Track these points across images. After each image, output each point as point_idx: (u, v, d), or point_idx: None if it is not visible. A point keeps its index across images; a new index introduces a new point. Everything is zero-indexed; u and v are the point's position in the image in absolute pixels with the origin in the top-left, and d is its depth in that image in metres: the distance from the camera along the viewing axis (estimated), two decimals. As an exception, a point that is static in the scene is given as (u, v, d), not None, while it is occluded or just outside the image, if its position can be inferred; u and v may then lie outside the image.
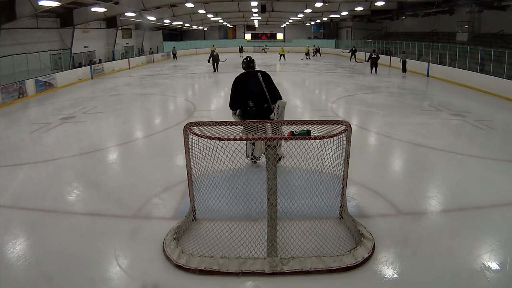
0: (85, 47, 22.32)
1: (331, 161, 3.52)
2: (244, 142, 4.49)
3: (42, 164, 6.07)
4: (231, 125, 3.48)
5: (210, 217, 3.88)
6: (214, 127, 3.46)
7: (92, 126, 8.65)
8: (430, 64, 17.87)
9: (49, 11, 16.43)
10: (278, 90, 5.13)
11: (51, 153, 6.64)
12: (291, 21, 37.25)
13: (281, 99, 5.09)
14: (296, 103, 10.90)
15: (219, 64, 20.01)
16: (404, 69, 18.66)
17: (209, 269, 3.12)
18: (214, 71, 19.94)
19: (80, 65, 20.06)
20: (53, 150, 6.81)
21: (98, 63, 21.86)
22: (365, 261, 3.23)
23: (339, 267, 3.13)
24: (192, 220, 3.87)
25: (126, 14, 21.57)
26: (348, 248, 3.36)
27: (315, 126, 3.38)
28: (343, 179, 3.70)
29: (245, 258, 3.20)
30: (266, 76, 5.12)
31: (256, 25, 43.66)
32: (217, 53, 20.30)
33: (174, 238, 3.48)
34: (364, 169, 5.34)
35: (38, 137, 7.78)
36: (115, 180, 5.51)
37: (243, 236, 3.42)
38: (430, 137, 7.27)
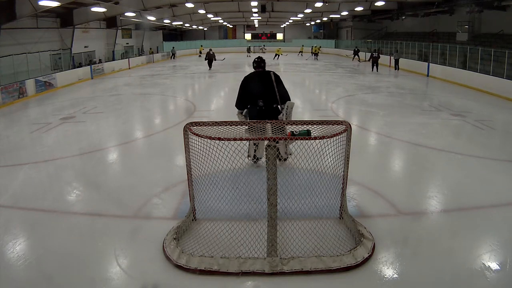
0: (85, 47, 22.32)
1: (331, 161, 3.52)
2: (246, 142, 4.49)
3: (42, 164, 6.07)
4: (231, 125, 3.48)
5: (210, 217, 3.88)
6: (214, 127, 3.46)
7: (92, 126, 8.65)
8: (430, 64, 17.88)
9: (49, 11, 16.43)
10: (287, 91, 5.15)
11: (51, 153, 6.64)
12: (291, 21, 37.25)
13: (289, 100, 5.13)
14: (296, 103, 10.78)
15: (213, 62, 21.71)
16: (396, 67, 19.89)
17: (209, 269, 3.12)
18: (210, 68, 21.58)
19: (80, 65, 20.06)
20: (53, 150, 6.81)
21: (98, 63, 21.86)
22: (365, 261, 3.23)
23: (339, 267, 3.13)
24: (192, 220, 3.87)
25: (126, 14, 21.57)
26: (348, 248, 3.36)
27: (315, 126, 3.38)
28: (343, 179, 3.70)
29: (245, 258, 3.20)
30: (276, 77, 5.13)
31: (256, 25, 43.66)
32: (213, 52, 21.82)
33: (174, 238, 3.48)
34: (364, 169, 5.34)
35: (38, 137, 7.78)
36: (115, 180, 5.51)
37: (243, 236, 3.42)
38: (430, 137, 7.27)
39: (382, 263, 3.25)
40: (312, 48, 31.33)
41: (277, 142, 4.61)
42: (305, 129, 3.27)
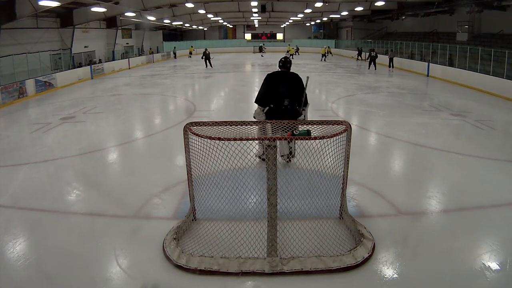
0: (85, 47, 22.33)
1: (331, 161, 3.52)
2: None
3: (42, 164, 6.07)
4: (231, 125, 3.48)
5: (210, 217, 3.88)
6: (214, 127, 3.45)
7: (92, 126, 8.65)
8: (430, 64, 17.89)
9: (49, 11, 16.44)
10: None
11: (51, 153, 6.65)
12: (291, 21, 37.25)
13: (307, 103, 5.27)
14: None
15: (210, 60, 23.05)
16: (390, 65, 20.97)
17: (209, 269, 3.12)
18: (206, 66, 22.81)
19: (80, 65, 20.06)
20: (53, 150, 6.81)
21: (98, 63, 21.86)
22: (365, 261, 3.23)
23: (339, 267, 3.13)
24: (192, 220, 3.87)
25: (126, 14, 21.57)
26: (348, 248, 3.36)
27: (315, 126, 3.38)
28: (343, 179, 3.70)
29: (245, 258, 3.20)
30: (300, 79, 5.25)
31: (256, 25, 43.68)
32: (208, 52, 23.22)
33: (174, 238, 3.48)
34: (364, 169, 5.34)
35: (38, 137, 7.78)
36: (115, 180, 5.51)
37: (243, 236, 3.42)
38: (430, 137, 7.27)
39: (382, 263, 3.25)
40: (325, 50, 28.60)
41: (289, 142, 4.63)
42: (305, 129, 3.27)
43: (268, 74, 5.31)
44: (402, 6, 23.42)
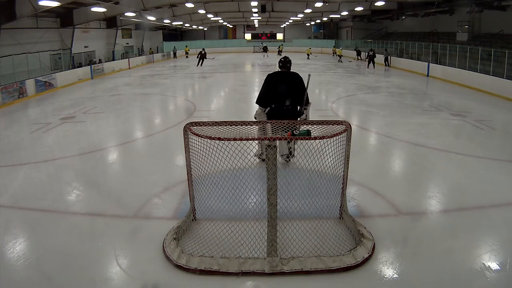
0: (85, 47, 22.33)
1: (331, 161, 3.52)
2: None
3: (42, 164, 6.07)
4: (231, 125, 3.48)
5: (210, 217, 3.88)
6: (214, 127, 3.45)
7: (92, 126, 8.65)
8: (430, 64, 17.89)
9: (49, 11, 16.43)
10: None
11: (51, 153, 6.65)
12: (291, 21, 37.24)
13: (308, 102, 5.24)
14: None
15: (204, 61, 23.98)
16: (386, 63, 22.30)
17: (209, 269, 3.12)
18: (197, 65, 23.75)
19: (80, 65, 20.06)
20: (53, 150, 6.81)
21: (98, 63, 21.85)
22: (365, 261, 3.23)
23: (339, 267, 3.13)
24: (192, 220, 3.87)
25: (126, 14, 21.56)
26: (348, 248, 3.36)
27: (315, 126, 3.38)
28: (343, 179, 3.70)
29: (245, 258, 3.20)
30: (301, 78, 5.24)
31: (256, 25, 43.67)
32: (204, 52, 24.19)
33: (174, 238, 3.48)
34: (364, 169, 5.34)
35: (38, 137, 7.78)
36: (115, 180, 5.51)
37: (243, 236, 3.41)
38: (430, 137, 7.27)
39: (382, 263, 3.25)
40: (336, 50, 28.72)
41: (289, 142, 4.63)
42: (305, 129, 3.27)
43: (268, 74, 5.31)
44: (402, 6, 23.41)
